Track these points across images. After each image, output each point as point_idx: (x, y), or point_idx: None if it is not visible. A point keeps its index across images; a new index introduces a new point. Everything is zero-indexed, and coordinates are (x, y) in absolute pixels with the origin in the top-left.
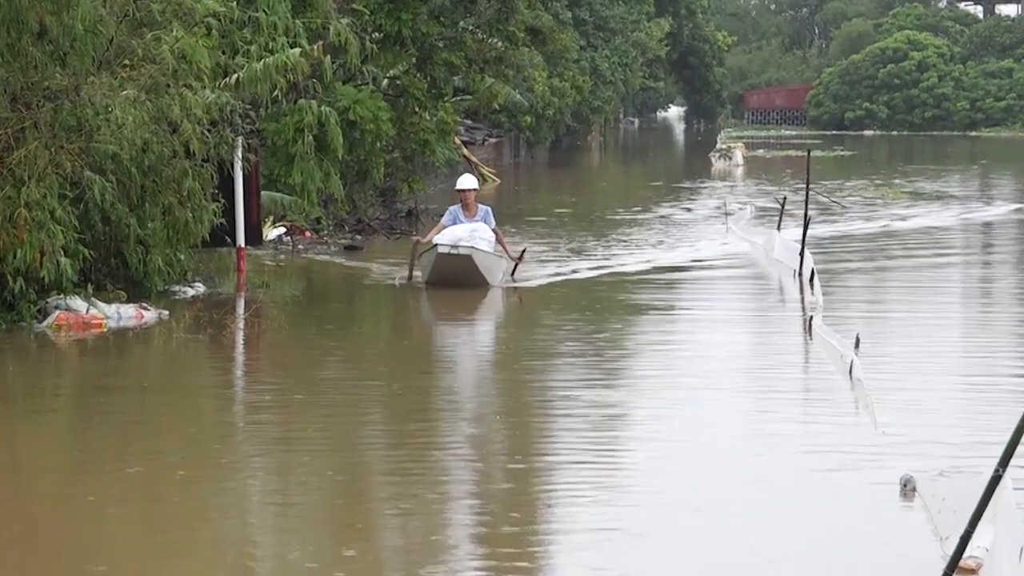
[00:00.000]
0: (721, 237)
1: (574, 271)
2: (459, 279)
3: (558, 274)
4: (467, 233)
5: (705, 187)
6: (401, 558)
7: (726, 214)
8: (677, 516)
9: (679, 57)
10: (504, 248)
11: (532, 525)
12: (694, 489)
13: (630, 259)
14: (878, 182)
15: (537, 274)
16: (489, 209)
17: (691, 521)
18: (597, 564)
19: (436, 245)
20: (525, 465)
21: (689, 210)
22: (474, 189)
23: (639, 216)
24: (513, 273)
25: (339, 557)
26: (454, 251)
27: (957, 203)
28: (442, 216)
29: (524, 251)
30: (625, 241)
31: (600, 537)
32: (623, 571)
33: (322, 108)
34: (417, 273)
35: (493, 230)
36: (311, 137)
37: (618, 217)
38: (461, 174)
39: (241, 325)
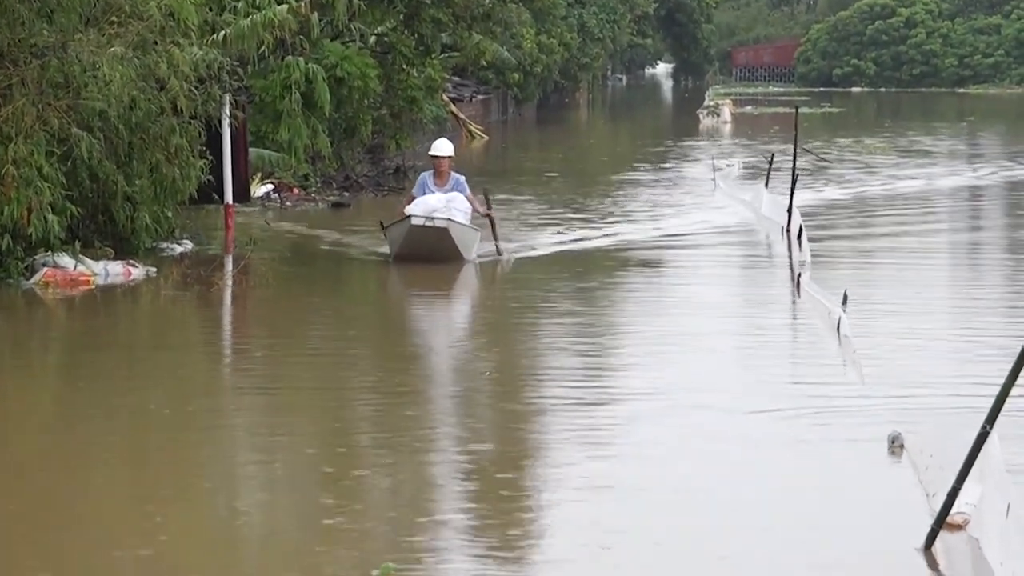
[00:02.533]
0: (709, 195)
1: (563, 233)
2: (433, 253)
3: (556, 240)
4: (442, 204)
5: (693, 144)
6: (386, 511)
7: (714, 171)
8: (664, 473)
9: (667, 14)
10: (477, 208)
11: (520, 480)
12: (681, 446)
13: (619, 217)
14: (896, 138)
15: (534, 240)
16: (461, 178)
17: (678, 478)
18: (586, 517)
19: (409, 216)
20: (513, 419)
21: (679, 167)
22: (449, 156)
23: (627, 175)
24: (499, 249)
25: (325, 508)
26: (429, 223)
27: (983, 162)
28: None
29: (490, 206)
30: (613, 199)
31: (589, 490)
32: (613, 525)
33: (309, 65)
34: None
35: (467, 198)
36: (298, 94)
37: (606, 176)
38: (449, 132)
39: (229, 282)
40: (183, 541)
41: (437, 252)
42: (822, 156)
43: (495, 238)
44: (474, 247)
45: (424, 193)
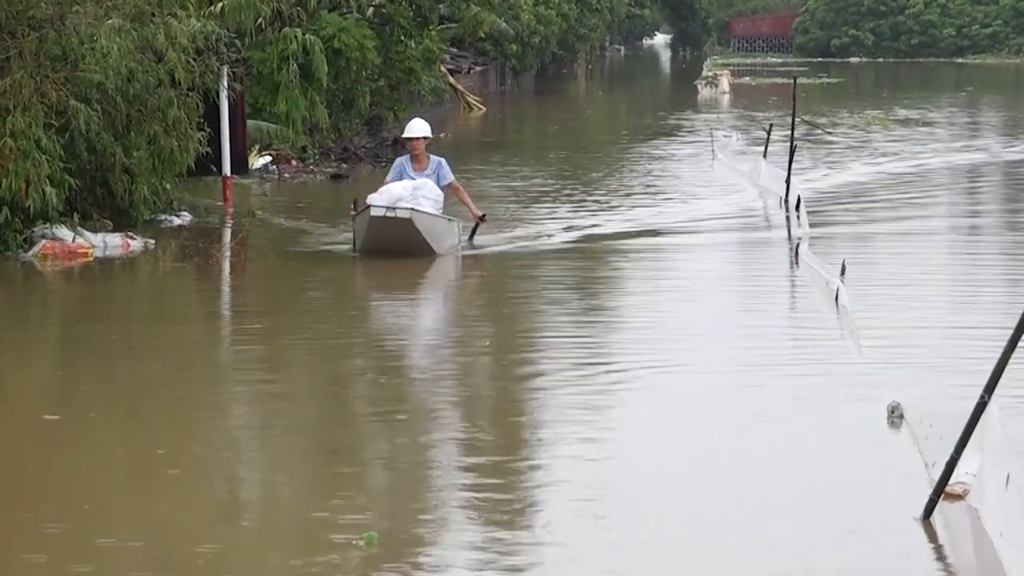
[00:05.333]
0: (708, 166)
1: (557, 210)
2: (398, 246)
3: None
4: (408, 192)
5: (691, 115)
6: (383, 483)
7: (713, 142)
8: (663, 442)
9: None
10: (468, 204)
11: (517, 451)
12: (678, 416)
13: (616, 190)
14: (896, 109)
15: (527, 218)
16: (442, 160)
17: (672, 446)
18: (583, 486)
19: (370, 207)
20: (510, 391)
21: (677, 138)
22: (424, 137)
23: (625, 146)
24: (471, 237)
25: (322, 480)
26: (391, 213)
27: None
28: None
29: (483, 216)
30: (610, 172)
31: (587, 461)
32: (610, 494)
33: (307, 36)
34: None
35: (452, 185)
36: (296, 66)
37: (603, 149)
38: (447, 103)
39: (227, 254)
40: (180, 513)
41: (403, 245)
42: (820, 126)
43: (474, 230)
44: (447, 238)
45: (401, 179)
